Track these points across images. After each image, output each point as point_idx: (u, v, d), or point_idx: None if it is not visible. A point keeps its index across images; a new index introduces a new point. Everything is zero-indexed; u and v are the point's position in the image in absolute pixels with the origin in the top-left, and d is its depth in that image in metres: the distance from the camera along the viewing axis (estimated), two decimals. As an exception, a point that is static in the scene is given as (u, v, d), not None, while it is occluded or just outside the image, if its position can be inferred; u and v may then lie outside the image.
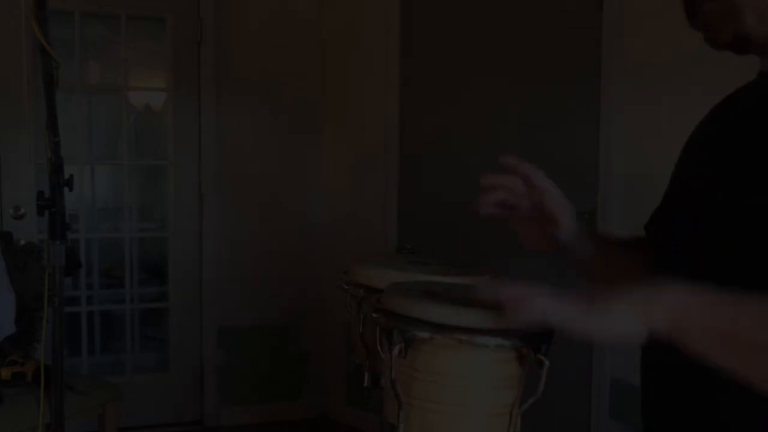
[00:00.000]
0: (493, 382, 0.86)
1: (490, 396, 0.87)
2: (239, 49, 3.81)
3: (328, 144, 4.00)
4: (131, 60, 3.79)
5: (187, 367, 3.83)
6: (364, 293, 1.08)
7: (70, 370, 2.82)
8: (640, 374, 0.98)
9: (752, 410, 0.83)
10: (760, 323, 0.72)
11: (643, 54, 2.75)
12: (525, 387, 0.88)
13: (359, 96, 3.88)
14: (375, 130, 3.77)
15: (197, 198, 3.79)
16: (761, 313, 0.72)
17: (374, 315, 0.91)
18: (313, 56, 3.96)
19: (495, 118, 3.27)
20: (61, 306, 1.72)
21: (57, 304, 1.71)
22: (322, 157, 4.00)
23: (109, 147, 4.08)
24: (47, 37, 1.58)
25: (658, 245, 0.98)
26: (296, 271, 3.95)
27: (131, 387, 3.43)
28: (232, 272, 3.84)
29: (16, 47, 3.41)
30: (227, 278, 3.83)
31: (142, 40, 3.91)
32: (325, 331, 3.99)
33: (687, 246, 0.89)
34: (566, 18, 3.03)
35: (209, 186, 3.79)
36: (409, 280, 1.03)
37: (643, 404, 0.99)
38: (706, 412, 0.87)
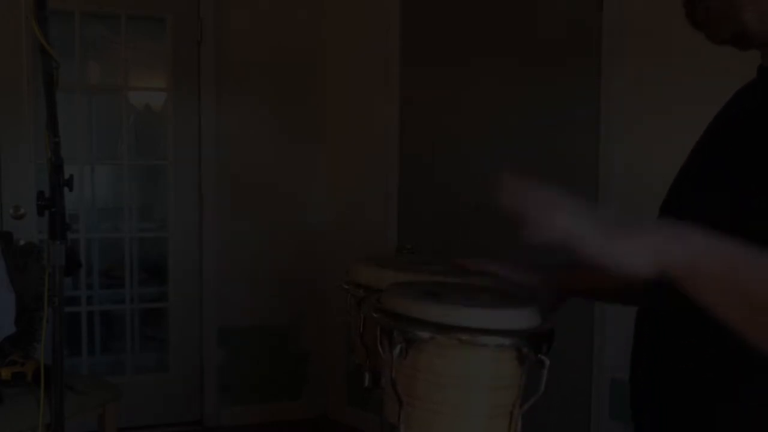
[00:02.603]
0: (493, 382, 0.86)
1: (491, 396, 0.87)
2: (239, 49, 3.81)
3: (328, 144, 4.00)
4: (131, 60, 3.79)
5: (187, 367, 3.83)
6: (364, 293, 1.08)
7: (70, 370, 2.81)
8: (630, 371, 0.99)
9: (745, 412, 0.83)
10: None
11: (643, 54, 2.75)
12: (525, 387, 0.88)
13: (359, 96, 3.88)
14: (375, 130, 3.77)
15: (197, 198, 3.79)
16: None
17: (374, 315, 0.91)
18: (313, 56, 3.96)
19: (495, 118, 3.27)
20: (61, 306, 1.72)
21: (57, 304, 1.71)
22: (322, 157, 4.00)
23: (109, 147, 4.08)
24: (47, 37, 1.59)
25: None
26: (296, 271, 3.95)
27: (131, 387, 3.43)
28: (232, 272, 3.84)
29: (16, 47, 3.41)
30: (227, 278, 3.83)
31: (142, 40, 3.91)
32: (325, 331, 3.99)
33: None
34: (566, 18, 3.03)
35: (209, 186, 3.79)
36: (409, 280, 1.03)
37: (632, 403, 0.99)
38: (696, 410, 0.87)
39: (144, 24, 3.90)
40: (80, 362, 3.72)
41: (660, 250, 0.74)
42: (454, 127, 3.43)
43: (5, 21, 3.42)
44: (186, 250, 3.80)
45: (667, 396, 0.91)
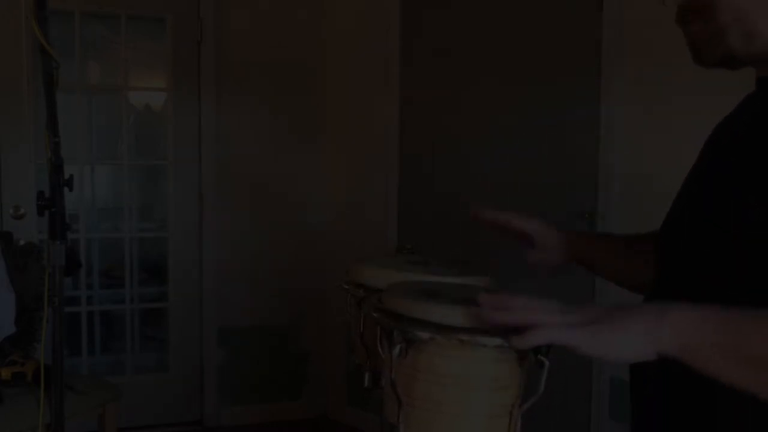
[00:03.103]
0: (493, 382, 0.86)
1: (491, 396, 0.87)
2: (239, 49, 3.81)
3: (328, 144, 4.00)
4: (131, 60, 3.79)
5: (187, 367, 3.83)
6: (364, 293, 1.08)
7: (70, 370, 2.81)
8: (630, 376, 0.99)
9: (744, 412, 0.83)
10: None
11: (643, 54, 2.75)
12: (525, 387, 0.88)
13: (359, 96, 3.88)
14: (375, 130, 3.77)
15: (197, 198, 3.79)
16: None
17: (375, 315, 0.91)
18: (313, 56, 3.96)
19: (495, 118, 3.27)
20: (61, 306, 1.72)
21: (57, 304, 1.71)
22: (322, 156, 4.00)
23: (109, 147, 4.08)
24: (47, 37, 1.58)
25: (663, 259, 0.98)
26: (296, 271, 3.95)
27: (131, 387, 3.43)
28: (232, 272, 3.84)
29: (16, 47, 3.41)
30: (227, 278, 3.83)
31: (142, 40, 3.91)
32: (325, 331, 3.99)
33: (692, 261, 0.89)
34: (566, 18, 3.03)
35: (209, 186, 3.79)
36: (409, 280, 1.03)
37: (632, 405, 0.99)
38: (696, 412, 0.87)
39: (144, 24, 3.90)
40: (80, 362, 3.72)
41: (651, 337, 0.74)
42: (454, 127, 3.43)
43: (5, 21, 3.42)
44: (186, 250, 3.80)
45: (669, 391, 0.91)
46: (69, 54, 3.51)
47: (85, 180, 3.67)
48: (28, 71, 3.41)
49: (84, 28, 3.64)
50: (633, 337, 0.75)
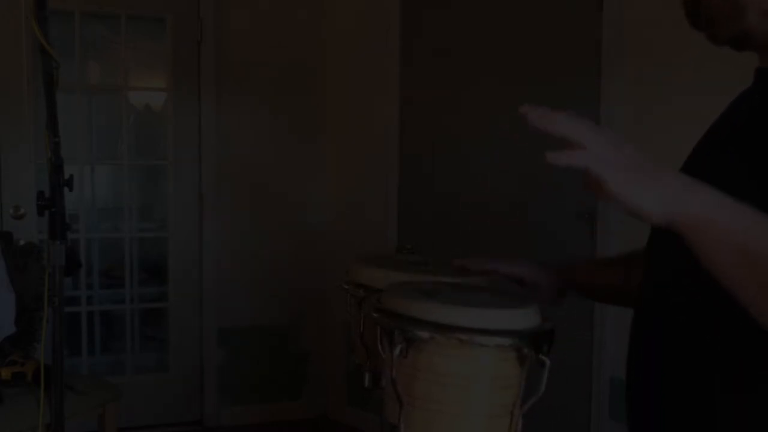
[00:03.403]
0: (494, 381, 0.86)
1: (491, 396, 0.87)
2: (239, 49, 3.81)
3: (328, 144, 4.00)
4: (131, 60, 3.79)
5: (187, 367, 3.83)
6: (364, 293, 1.08)
7: (70, 370, 2.81)
8: (626, 373, 0.99)
9: (746, 409, 0.83)
10: None
11: (643, 54, 2.75)
12: (526, 387, 0.88)
13: (359, 96, 3.88)
14: (375, 130, 3.77)
15: (197, 198, 3.79)
16: None
17: (375, 315, 0.91)
18: (313, 56, 3.96)
19: (495, 118, 3.27)
20: (61, 306, 1.71)
21: (57, 304, 1.71)
22: (322, 156, 4.00)
23: (109, 147, 4.08)
24: (47, 37, 1.58)
25: (654, 251, 0.98)
26: (296, 271, 3.95)
27: (131, 387, 3.43)
28: (232, 272, 3.84)
29: (16, 47, 3.41)
30: (227, 278, 3.83)
31: (142, 40, 3.91)
32: (325, 331, 3.99)
33: (686, 254, 0.89)
34: (566, 18, 3.03)
35: (209, 186, 3.79)
36: (409, 280, 1.03)
37: (628, 399, 0.99)
38: (697, 406, 0.87)
39: (144, 24, 3.90)
40: (80, 362, 3.72)
41: (675, 196, 0.73)
42: (454, 127, 3.43)
43: (5, 21, 3.42)
44: (186, 250, 3.80)
45: (667, 394, 0.91)
46: (69, 54, 3.51)
47: (85, 180, 3.67)
48: (28, 71, 3.41)
49: (84, 28, 3.64)
50: (659, 197, 0.73)
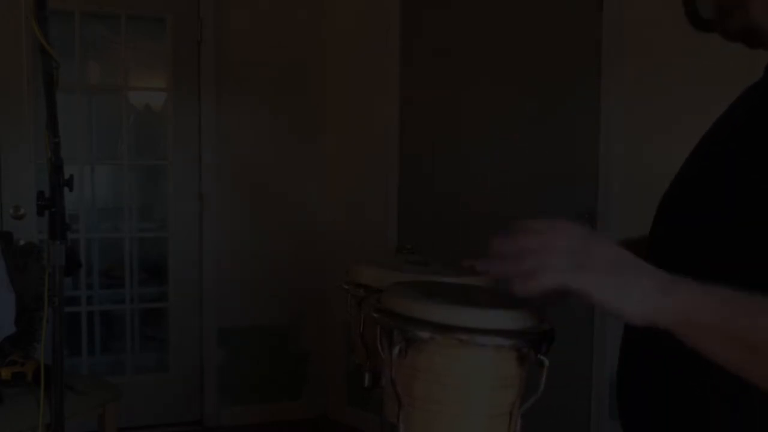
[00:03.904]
0: (493, 382, 0.86)
1: (491, 396, 0.87)
2: (239, 49, 3.81)
3: (328, 144, 4.00)
4: (131, 60, 3.79)
5: (187, 367, 3.83)
6: (364, 293, 1.08)
7: (70, 370, 2.81)
8: (617, 371, 0.98)
9: (740, 408, 0.83)
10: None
11: (643, 54, 2.75)
12: (525, 387, 0.88)
13: (359, 96, 3.88)
14: (375, 130, 3.77)
15: (197, 198, 3.79)
16: None
17: (374, 315, 0.91)
18: (313, 56, 3.96)
19: (495, 118, 3.27)
20: (61, 306, 1.72)
21: (57, 304, 1.71)
22: (322, 156, 4.00)
23: (109, 147, 4.08)
24: (47, 37, 1.59)
25: (657, 240, 0.98)
26: (296, 271, 3.95)
27: (131, 387, 3.43)
28: (232, 272, 3.84)
29: (16, 47, 3.41)
30: (227, 278, 3.83)
31: (142, 40, 3.91)
32: (325, 331, 3.99)
33: (686, 244, 0.89)
34: (566, 18, 3.03)
35: (209, 186, 3.79)
36: (409, 280, 1.03)
37: (619, 401, 0.99)
38: (685, 409, 0.87)
39: (144, 24, 3.90)
40: (80, 362, 3.72)
41: (655, 298, 0.73)
42: (454, 127, 3.43)
43: (5, 21, 3.42)
44: (186, 250, 3.80)
45: (659, 395, 0.91)
46: (69, 54, 3.51)
47: (85, 180, 3.67)
48: (28, 71, 3.41)
49: (84, 28, 3.64)
50: (641, 297, 0.73)
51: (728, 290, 0.73)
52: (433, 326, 0.84)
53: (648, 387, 0.93)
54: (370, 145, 3.81)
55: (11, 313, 2.42)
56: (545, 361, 0.85)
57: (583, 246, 0.76)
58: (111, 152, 4.08)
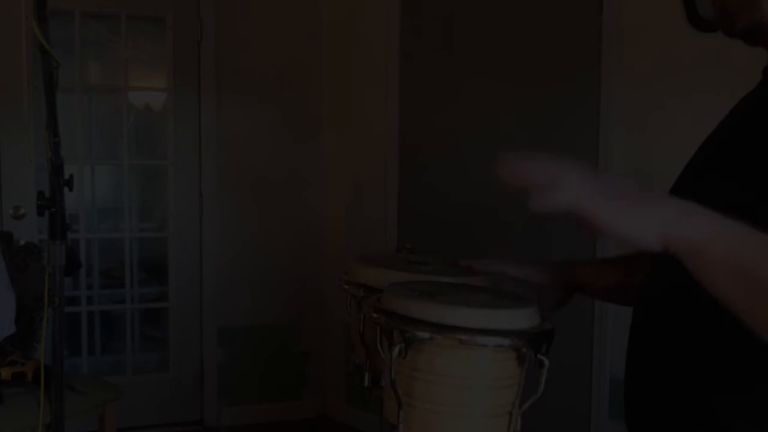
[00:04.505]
0: (493, 382, 0.86)
1: (490, 396, 0.87)
2: (239, 49, 3.81)
3: (328, 143, 4.00)
4: (131, 60, 3.79)
5: (187, 367, 3.83)
6: (364, 293, 1.08)
7: (70, 370, 2.81)
8: (624, 372, 0.98)
9: (745, 408, 0.83)
10: None
11: (642, 55, 2.75)
12: (525, 387, 0.88)
13: (359, 95, 3.88)
14: (375, 129, 3.77)
15: (197, 198, 3.79)
16: None
17: (374, 315, 0.91)
18: (313, 56, 3.96)
19: (495, 118, 3.27)
20: (61, 306, 1.72)
21: (57, 304, 1.71)
22: (323, 156, 4.00)
23: (109, 147, 4.08)
24: (47, 37, 1.59)
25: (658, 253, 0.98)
26: (296, 271, 3.95)
27: (131, 387, 3.43)
28: (232, 272, 3.84)
29: (16, 47, 3.41)
30: (227, 278, 3.83)
31: (142, 40, 3.91)
32: (325, 331, 3.99)
33: None
34: (566, 18, 3.03)
35: (209, 186, 3.79)
36: (409, 280, 1.02)
37: (626, 398, 0.99)
38: (695, 406, 0.88)
39: (144, 24, 3.90)
40: (80, 362, 3.72)
41: (669, 223, 0.72)
42: (454, 126, 3.43)
43: (5, 21, 3.42)
44: (186, 250, 3.80)
45: (666, 394, 0.91)
46: (69, 54, 3.51)
47: (85, 180, 3.67)
48: (28, 71, 3.41)
49: (84, 28, 3.64)
50: (653, 222, 0.72)
51: (747, 227, 0.71)
52: (432, 326, 0.84)
53: (656, 388, 0.92)
54: (370, 145, 3.81)
55: (11, 313, 2.42)
56: (545, 361, 0.85)
57: (596, 176, 0.75)
58: (111, 152, 4.08)
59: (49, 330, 1.74)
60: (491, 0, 3.32)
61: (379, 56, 3.72)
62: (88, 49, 3.82)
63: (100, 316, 3.93)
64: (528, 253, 2.96)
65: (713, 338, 0.85)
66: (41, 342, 1.84)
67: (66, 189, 1.71)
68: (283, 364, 3.99)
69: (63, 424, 1.79)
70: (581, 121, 2.95)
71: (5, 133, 3.45)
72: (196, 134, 3.77)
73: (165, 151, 3.84)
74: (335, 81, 3.97)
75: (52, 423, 1.78)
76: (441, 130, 3.50)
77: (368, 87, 3.82)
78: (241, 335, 3.88)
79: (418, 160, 3.60)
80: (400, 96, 3.64)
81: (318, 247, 3.99)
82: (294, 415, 3.98)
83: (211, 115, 3.77)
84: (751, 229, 0.72)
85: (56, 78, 1.64)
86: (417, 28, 3.60)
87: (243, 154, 3.85)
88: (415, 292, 0.93)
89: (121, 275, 3.85)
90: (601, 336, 2.85)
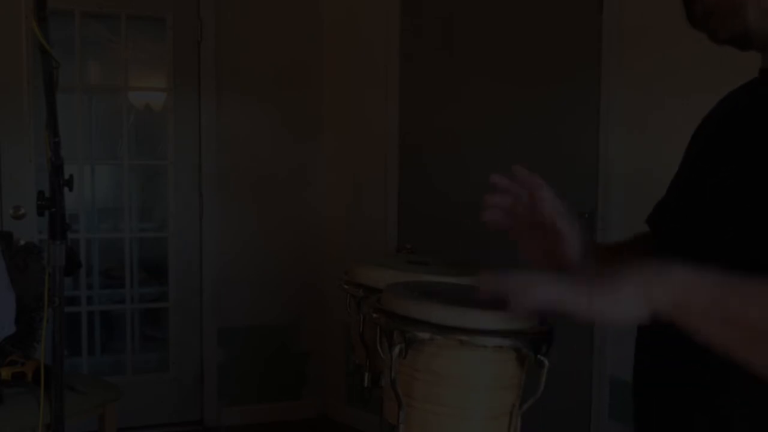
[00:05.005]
0: (493, 382, 0.86)
1: (490, 396, 0.87)
2: (239, 49, 3.81)
3: (328, 143, 4.00)
4: (131, 60, 3.79)
5: (187, 367, 3.83)
6: (364, 293, 1.08)
7: (70, 370, 2.81)
8: (633, 375, 0.98)
9: (755, 410, 0.83)
10: (763, 309, 0.71)
11: (642, 55, 2.75)
12: (525, 387, 0.88)
13: (359, 95, 3.88)
14: (375, 129, 3.77)
15: (197, 198, 3.79)
16: (766, 299, 0.72)
17: (374, 315, 0.91)
18: (313, 56, 3.96)
19: (495, 118, 3.27)
20: (61, 306, 1.71)
21: (57, 304, 1.71)
22: (323, 156, 4.00)
23: (109, 147, 4.08)
24: (47, 37, 1.58)
25: (661, 238, 0.98)
26: (296, 271, 3.95)
27: (131, 387, 3.43)
28: (232, 272, 3.84)
29: (16, 47, 3.41)
30: (227, 278, 3.83)
31: (142, 40, 3.91)
32: (325, 331, 3.99)
33: (689, 239, 0.89)
34: (566, 18, 3.03)
35: (209, 186, 3.79)
36: (409, 280, 1.03)
37: (636, 407, 0.98)
38: (700, 407, 0.87)
39: (144, 24, 3.89)
40: (80, 362, 3.72)
41: (645, 294, 0.74)
42: (454, 126, 3.43)
43: (5, 21, 3.42)
44: (186, 250, 3.80)
45: (676, 398, 0.91)
46: (69, 54, 3.51)
47: (85, 180, 3.67)
48: (28, 71, 3.41)
49: (84, 28, 3.64)
50: (630, 298, 0.74)
51: (719, 275, 0.73)
52: (433, 327, 0.84)
53: (664, 388, 0.92)
54: (370, 145, 3.81)
55: (11, 313, 2.42)
56: (545, 362, 0.85)
57: (568, 276, 0.79)
58: (111, 152, 4.08)
59: (49, 330, 1.74)
60: (491, 0, 3.32)
61: (379, 56, 3.72)
62: (88, 49, 3.82)
63: (100, 316, 3.93)
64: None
65: None
66: (41, 342, 1.84)
67: (66, 189, 1.71)
68: (283, 364, 3.99)
69: (63, 424, 1.78)
70: (581, 121, 2.95)
71: (5, 133, 3.45)
72: (196, 134, 3.77)
73: (165, 151, 3.84)
74: (335, 81, 3.96)
75: (52, 423, 1.78)
76: (441, 130, 3.50)
77: (368, 87, 3.82)
78: (241, 335, 3.88)
79: (418, 160, 3.60)
80: (400, 96, 3.64)
81: (318, 247, 3.99)
82: (294, 415, 3.98)
83: (211, 115, 3.77)
84: (732, 277, 0.73)
85: (56, 78, 1.64)
86: (417, 28, 3.59)
87: (243, 154, 3.85)
88: (415, 292, 0.93)
89: (121, 275, 3.85)
90: (601, 336, 2.85)
